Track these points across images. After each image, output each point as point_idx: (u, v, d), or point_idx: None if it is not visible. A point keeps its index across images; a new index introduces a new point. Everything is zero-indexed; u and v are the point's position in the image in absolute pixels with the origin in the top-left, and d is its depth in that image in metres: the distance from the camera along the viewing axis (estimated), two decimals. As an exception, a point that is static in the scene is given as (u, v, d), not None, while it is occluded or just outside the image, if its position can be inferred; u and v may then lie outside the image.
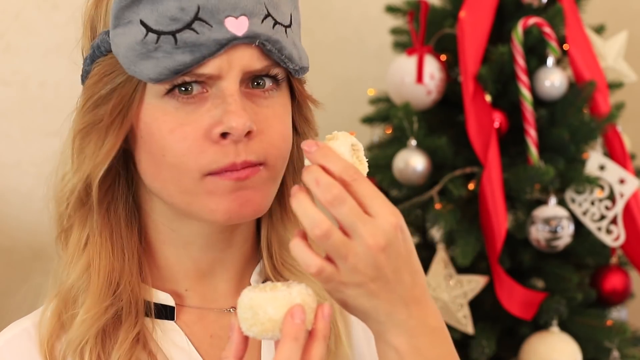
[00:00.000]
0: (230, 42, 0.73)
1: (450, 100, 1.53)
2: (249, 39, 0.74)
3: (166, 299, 0.82)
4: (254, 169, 0.75)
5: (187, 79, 0.74)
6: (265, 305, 0.67)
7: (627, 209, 1.48)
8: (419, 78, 1.47)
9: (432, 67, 1.49)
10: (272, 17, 0.75)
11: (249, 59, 0.75)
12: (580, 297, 1.46)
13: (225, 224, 0.78)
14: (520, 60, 1.46)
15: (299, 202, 0.67)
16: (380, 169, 1.50)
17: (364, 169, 0.70)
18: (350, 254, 0.66)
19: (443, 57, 1.53)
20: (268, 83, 0.77)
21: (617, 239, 1.48)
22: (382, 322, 0.69)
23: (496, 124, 1.46)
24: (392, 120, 1.50)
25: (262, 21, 0.75)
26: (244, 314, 0.67)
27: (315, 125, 0.84)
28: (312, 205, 0.67)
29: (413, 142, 1.45)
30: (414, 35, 1.53)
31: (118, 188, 0.81)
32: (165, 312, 0.82)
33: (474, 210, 1.45)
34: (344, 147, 0.70)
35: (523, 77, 1.46)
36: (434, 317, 0.71)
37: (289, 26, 0.77)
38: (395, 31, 1.64)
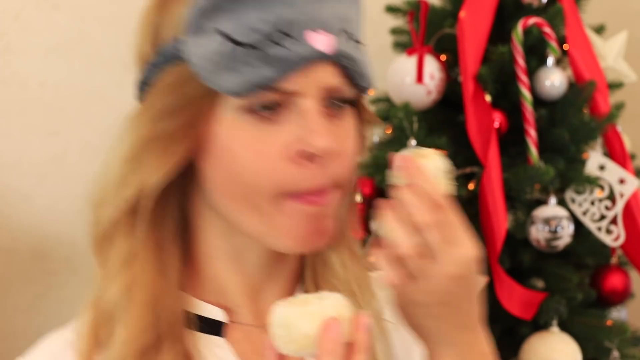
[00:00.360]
0: (316, 58, 0.71)
1: (450, 100, 1.52)
2: (334, 57, 0.72)
3: (216, 314, 0.80)
4: (331, 193, 0.74)
5: (269, 94, 0.71)
6: (298, 321, 0.65)
7: (627, 209, 1.48)
8: (419, 78, 1.47)
9: (432, 67, 1.49)
10: (347, 32, 0.74)
11: (330, 77, 0.73)
12: (580, 297, 1.46)
13: (295, 250, 0.76)
14: (520, 61, 1.46)
15: (388, 219, 0.69)
16: (380, 169, 1.50)
17: (450, 190, 0.71)
18: (429, 276, 0.68)
19: (443, 57, 1.53)
20: (342, 102, 0.75)
21: (617, 238, 1.48)
22: (440, 343, 0.73)
23: (496, 124, 1.45)
24: (392, 120, 1.50)
25: (343, 37, 0.73)
26: (278, 332, 0.65)
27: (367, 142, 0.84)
28: (400, 225, 0.68)
29: (413, 142, 1.45)
30: (414, 35, 1.53)
31: (171, 200, 0.78)
32: (212, 328, 0.79)
33: (474, 210, 1.44)
34: (433, 167, 0.70)
35: (523, 77, 1.45)
36: (485, 343, 0.76)
37: (361, 42, 0.76)
38: (395, 31, 1.64)
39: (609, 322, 1.50)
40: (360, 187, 1.56)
